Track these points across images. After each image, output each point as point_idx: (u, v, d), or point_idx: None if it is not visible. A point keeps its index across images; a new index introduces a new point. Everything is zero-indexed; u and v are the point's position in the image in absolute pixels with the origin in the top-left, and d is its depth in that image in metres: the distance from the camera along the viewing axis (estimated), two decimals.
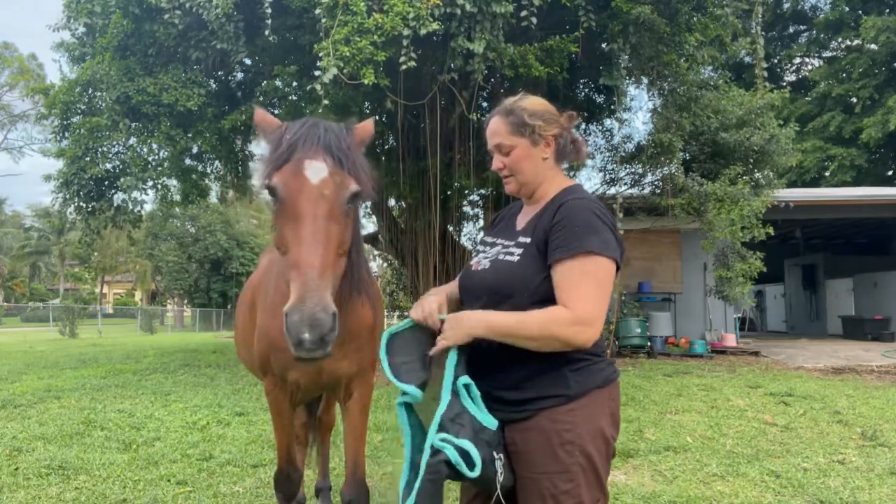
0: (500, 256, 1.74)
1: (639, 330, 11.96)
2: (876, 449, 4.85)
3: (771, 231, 10.98)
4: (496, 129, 1.79)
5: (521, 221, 1.83)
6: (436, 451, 1.52)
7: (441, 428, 1.54)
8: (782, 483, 3.99)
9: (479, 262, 1.80)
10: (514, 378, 1.65)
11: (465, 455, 1.50)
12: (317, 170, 1.62)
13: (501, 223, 1.94)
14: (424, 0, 7.51)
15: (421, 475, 1.53)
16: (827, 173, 24.51)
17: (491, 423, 1.60)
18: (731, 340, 13.10)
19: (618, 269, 1.63)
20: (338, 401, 2.50)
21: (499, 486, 1.56)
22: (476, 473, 1.50)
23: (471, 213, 14.85)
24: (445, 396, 1.58)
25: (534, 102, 1.80)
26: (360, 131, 1.87)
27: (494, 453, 1.61)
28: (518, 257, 1.69)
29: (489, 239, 1.88)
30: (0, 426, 5.77)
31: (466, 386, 1.60)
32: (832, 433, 5.42)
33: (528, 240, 1.70)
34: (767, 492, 3.85)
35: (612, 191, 13.68)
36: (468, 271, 1.84)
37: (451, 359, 1.62)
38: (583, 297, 1.55)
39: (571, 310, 1.54)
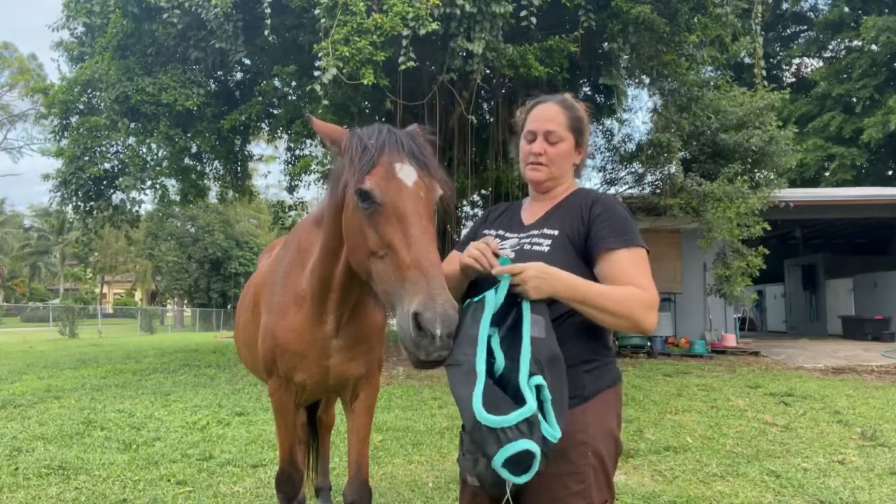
0: (526, 247, 1.73)
1: None
2: (876, 449, 4.85)
3: (767, 226, 11.00)
4: (554, 116, 1.78)
5: (529, 216, 1.84)
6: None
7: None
8: (782, 483, 3.99)
9: None
10: None
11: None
12: (409, 173, 1.62)
13: (502, 217, 1.95)
14: (424, 0, 7.51)
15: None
16: (827, 173, 24.49)
17: (553, 435, 1.42)
18: (731, 340, 13.08)
19: None
20: (343, 402, 2.50)
21: (508, 488, 1.51)
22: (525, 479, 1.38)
23: (470, 212, 14.86)
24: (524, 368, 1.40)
25: (585, 109, 1.84)
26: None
27: None
28: (548, 248, 1.70)
29: (492, 232, 1.87)
30: (0, 426, 5.77)
31: (538, 387, 1.42)
32: (832, 433, 5.42)
33: (556, 232, 1.72)
34: (767, 492, 3.85)
35: (612, 191, 13.69)
36: None
37: (526, 314, 1.50)
38: (650, 284, 1.60)
39: (646, 292, 1.57)
